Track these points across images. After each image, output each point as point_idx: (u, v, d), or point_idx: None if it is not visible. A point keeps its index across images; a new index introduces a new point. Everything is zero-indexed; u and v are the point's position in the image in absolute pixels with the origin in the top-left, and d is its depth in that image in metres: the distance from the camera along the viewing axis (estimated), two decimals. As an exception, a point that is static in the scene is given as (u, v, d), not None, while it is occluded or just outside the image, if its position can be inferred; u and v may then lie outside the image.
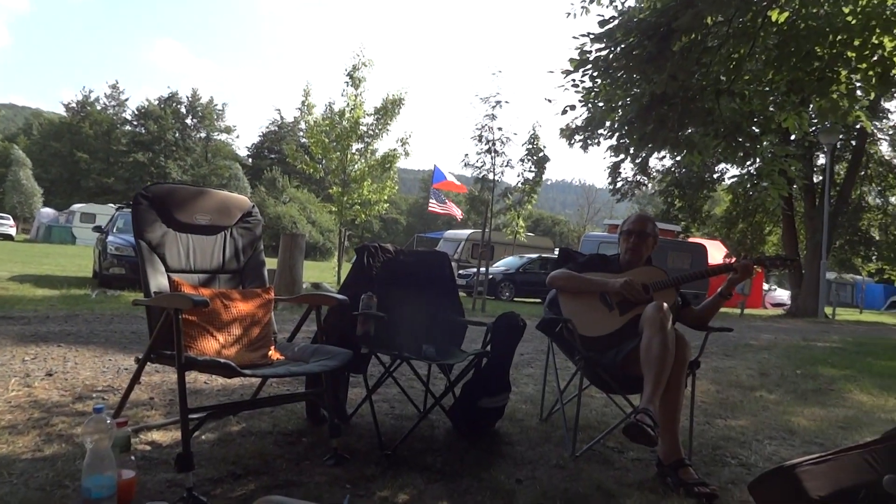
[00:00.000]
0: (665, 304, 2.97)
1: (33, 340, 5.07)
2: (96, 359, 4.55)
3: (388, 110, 17.11)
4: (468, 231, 27.09)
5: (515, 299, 18.53)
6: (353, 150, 17.06)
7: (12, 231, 34.75)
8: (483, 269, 13.94)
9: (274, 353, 3.03)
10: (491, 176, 15.56)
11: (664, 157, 17.17)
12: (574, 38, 6.62)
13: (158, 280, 2.87)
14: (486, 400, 3.36)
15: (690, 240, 23.36)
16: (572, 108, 7.39)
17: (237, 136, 69.27)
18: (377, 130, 17.26)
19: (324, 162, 17.52)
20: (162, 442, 2.90)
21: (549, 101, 7.56)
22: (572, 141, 8.01)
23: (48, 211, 39.50)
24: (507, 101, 15.12)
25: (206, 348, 2.77)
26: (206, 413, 2.66)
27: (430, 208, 18.13)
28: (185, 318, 2.62)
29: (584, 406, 3.85)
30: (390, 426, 3.48)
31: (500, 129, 15.20)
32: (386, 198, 17.64)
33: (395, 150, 17.31)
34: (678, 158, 15.51)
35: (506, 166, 15.52)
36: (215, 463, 2.69)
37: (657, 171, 24.30)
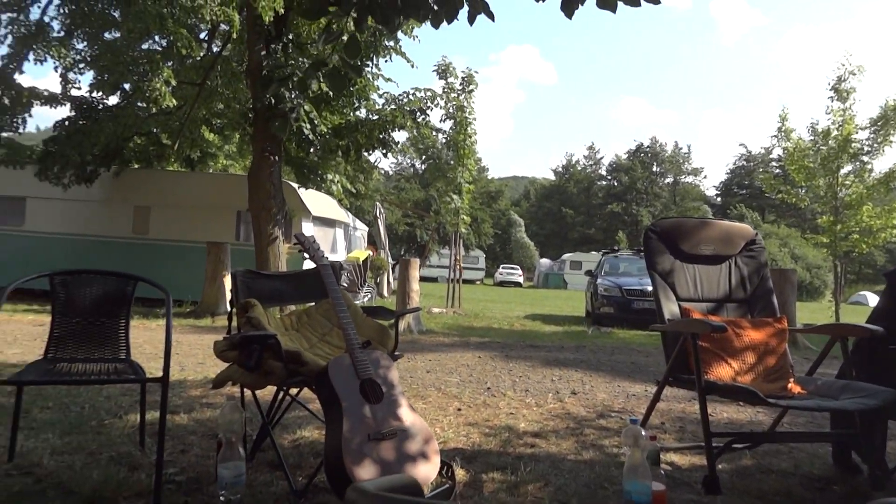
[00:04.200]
0: None
1: (555, 365, 6.02)
2: (607, 384, 5.08)
3: (888, 119, 14.33)
4: None
5: None
6: (844, 172, 14.81)
7: (520, 279, 41.97)
8: None
9: (794, 386, 2.84)
10: None
11: None
12: None
13: (671, 307, 3.06)
14: None
15: None
16: None
17: (705, 177, 68.10)
18: (876, 145, 14.61)
19: (805, 189, 15.71)
20: (680, 464, 3.01)
21: None
22: None
23: (545, 261, 46.38)
24: None
25: (721, 374, 2.80)
26: (728, 440, 2.66)
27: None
28: (699, 344, 2.72)
29: None
30: (954, 491, 2.81)
31: None
32: (895, 223, 14.60)
33: (905, 163, 14.27)
34: None
35: None
36: (738, 494, 2.65)
37: None
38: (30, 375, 2.53)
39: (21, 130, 9.39)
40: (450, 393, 4.45)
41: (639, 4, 1.98)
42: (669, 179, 66.59)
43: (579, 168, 69.59)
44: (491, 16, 2.10)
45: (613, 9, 1.96)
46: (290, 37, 9.55)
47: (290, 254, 10.04)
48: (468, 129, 13.63)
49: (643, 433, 2.43)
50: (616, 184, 65.38)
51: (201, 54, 9.07)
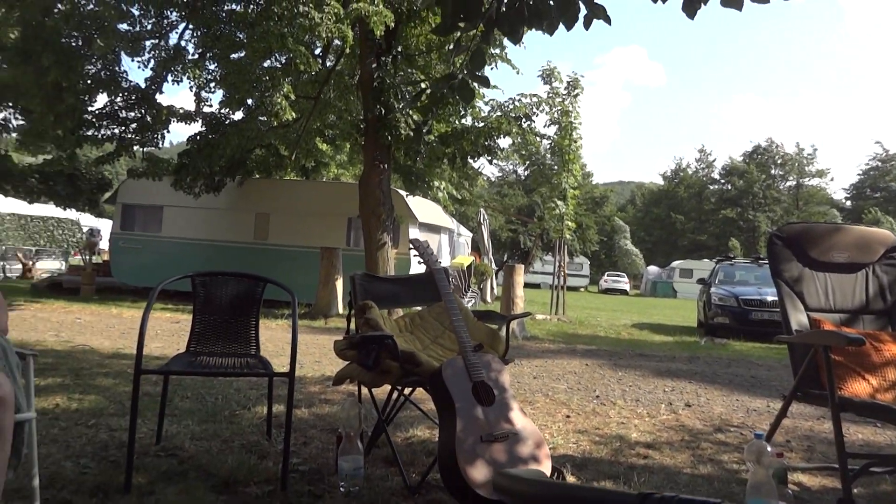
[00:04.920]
0: None
1: (667, 375, 5.81)
2: (724, 397, 4.84)
3: None
4: None
5: None
6: None
7: (626, 287, 40.73)
8: None
9: (944, 407, 2.58)
10: None
11: None
12: None
13: (799, 318, 2.88)
14: None
15: None
16: None
17: (831, 179, 62.82)
18: None
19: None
20: (809, 485, 2.83)
21: None
22: None
23: (653, 268, 44.70)
24: None
25: (857, 391, 2.60)
26: (866, 462, 2.47)
27: None
28: (832, 358, 2.54)
29: None
30: None
31: None
32: None
33: None
34: None
35: None
36: (878, 521, 2.45)
37: None
38: (175, 366, 2.79)
39: (161, 146, 10.35)
40: (558, 399, 4.41)
41: (767, 0, 1.90)
42: (791, 182, 62.09)
43: (690, 172, 66.46)
44: (608, 20, 2.10)
45: (739, 6, 1.89)
46: (399, 49, 9.88)
47: (396, 258, 10.35)
48: (573, 133, 13.45)
49: (768, 449, 2.31)
50: (730, 188, 61.85)
51: (317, 69, 9.60)
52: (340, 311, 10.01)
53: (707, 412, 4.25)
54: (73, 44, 8.95)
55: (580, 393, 4.72)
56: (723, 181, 63.91)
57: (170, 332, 7.06)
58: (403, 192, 11.58)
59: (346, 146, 13.89)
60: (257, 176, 12.64)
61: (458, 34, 2.00)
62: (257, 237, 12.40)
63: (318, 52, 10.65)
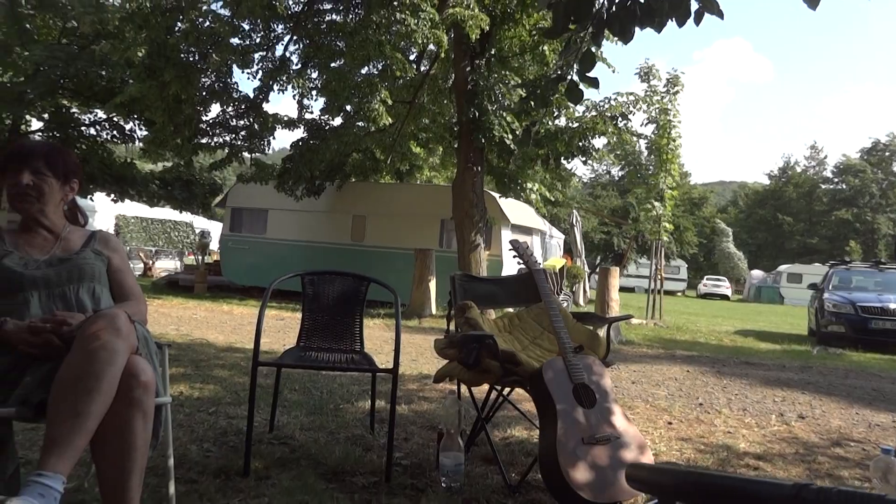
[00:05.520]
0: None
1: (777, 384, 5.50)
2: (842, 410, 4.53)
3: None
4: None
5: None
6: None
7: (727, 292, 38.70)
8: None
9: None
10: None
11: None
12: None
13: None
14: None
15: None
16: None
17: (969, 174, 56.80)
18: None
19: None
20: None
21: None
22: None
23: (758, 273, 42.19)
24: None
25: None
26: None
27: None
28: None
29: None
30: None
31: None
32: None
33: None
34: None
35: None
36: None
37: None
38: (288, 360, 2.96)
39: (267, 152, 10.96)
40: (658, 406, 4.29)
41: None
42: (918, 180, 56.79)
43: (799, 170, 62.27)
44: (720, 14, 2.03)
45: (867, -6, 1.78)
46: (493, 52, 9.93)
47: (489, 260, 10.39)
48: (672, 132, 12.96)
49: (899, 466, 2.15)
50: (844, 187, 57.38)
51: (412, 74, 9.82)
52: (434, 311, 10.17)
53: (823, 425, 3.99)
54: (191, 59, 9.66)
55: (682, 400, 4.56)
56: (836, 180, 59.48)
57: (275, 328, 7.45)
58: (496, 194, 11.61)
59: (439, 149, 14.10)
60: (354, 179, 13.07)
61: (568, 36, 2.00)
62: (354, 238, 12.83)
63: (413, 57, 10.89)
